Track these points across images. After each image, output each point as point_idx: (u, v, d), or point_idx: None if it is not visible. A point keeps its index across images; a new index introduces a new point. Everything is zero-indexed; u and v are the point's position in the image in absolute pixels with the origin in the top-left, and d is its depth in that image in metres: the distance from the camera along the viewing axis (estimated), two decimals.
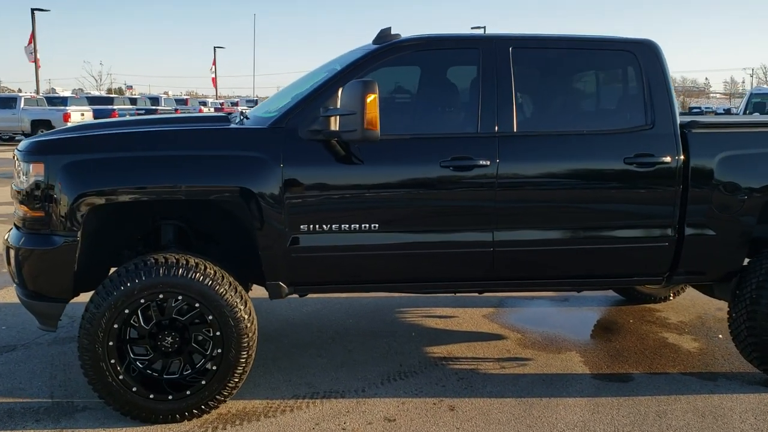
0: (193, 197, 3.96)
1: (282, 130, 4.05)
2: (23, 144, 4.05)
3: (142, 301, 3.82)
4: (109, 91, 73.13)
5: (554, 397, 4.40)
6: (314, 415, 4.09)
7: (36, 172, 3.85)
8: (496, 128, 4.21)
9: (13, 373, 4.66)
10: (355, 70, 4.18)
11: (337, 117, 3.93)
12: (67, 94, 38.98)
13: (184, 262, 3.85)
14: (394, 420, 4.05)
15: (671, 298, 6.57)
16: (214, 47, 51.24)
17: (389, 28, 4.46)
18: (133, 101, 35.56)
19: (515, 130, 4.23)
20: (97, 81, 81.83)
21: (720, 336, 5.64)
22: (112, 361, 3.84)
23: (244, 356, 3.96)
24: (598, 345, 5.38)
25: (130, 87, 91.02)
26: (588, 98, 4.76)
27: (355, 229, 4.09)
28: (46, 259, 3.86)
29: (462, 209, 4.19)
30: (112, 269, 4.42)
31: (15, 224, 4.11)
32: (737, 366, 4.97)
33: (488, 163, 4.14)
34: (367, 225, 4.09)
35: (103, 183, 3.83)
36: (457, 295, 6.29)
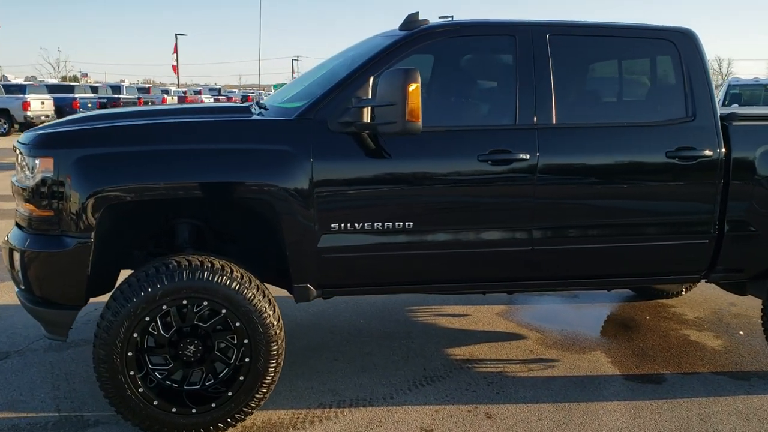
0: (217, 195, 3.66)
1: (310, 122, 3.76)
2: (28, 136, 3.69)
3: (164, 307, 3.51)
4: (64, 78, 71.18)
5: (591, 401, 4.21)
6: (346, 426, 3.84)
7: (44, 167, 3.50)
8: (535, 120, 3.99)
9: (11, 383, 4.31)
10: (386, 58, 3.91)
11: (371, 108, 3.66)
12: (20, 81, 37.65)
13: (209, 265, 3.55)
14: (432, 430, 3.82)
15: (684, 293, 6.45)
16: (176, 34, 50.07)
17: (417, 13, 4.20)
18: (94, 89, 34.47)
19: (554, 122, 4.01)
20: (54, 68, 79.72)
21: (741, 333, 5.52)
22: (132, 372, 3.53)
23: (273, 365, 3.68)
24: (621, 344, 5.22)
25: (85, 75, 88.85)
26: (627, 88, 4.56)
27: (388, 227, 3.83)
28: (56, 262, 3.52)
29: (500, 206, 3.97)
30: (122, 271, 4.11)
31: (17, 223, 3.75)
32: (766, 364, 4.85)
33: (528, 156, 3.91)
34: (401, 223, 3.84)
35: (121, 179, 3.50)
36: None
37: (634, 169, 4.09)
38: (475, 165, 3.87)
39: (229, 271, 3.58)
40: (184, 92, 45.54)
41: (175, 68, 52.02)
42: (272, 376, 3.70)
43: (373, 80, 3.79)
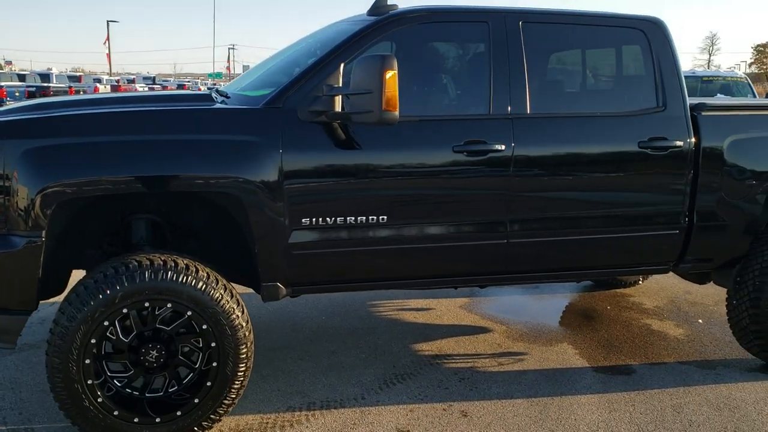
0: (179, 189, 3.42)
1: (279, 111, 3.56)
2: None
3: (125, 310, 3.27)
4: None
5: (565, 395, 4.16)
6: (318, 430, 3.66)
7: None
8: (509, 109, 3.87)
9: None
10: (356, 44, 3.74)
11: (342, 97, 3.48)
12: None
13: (173, 264, 3.33)
14: (408, 431, 3.68)
15: (641, 282, 6.49)
16: (108, 21, 48.52)
17: None
18: (21, 77, 32.98)
19: (528, 111, 3.90)
20: None
21: (700, 321, 5.58)
22: (89, 381, 3.28)
23: (242, 368, 3.48)
24: (586, 335, 5.19)
25: (9, 62, 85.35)
26: (599, 78, 4.50)
27: (361, 222, 3.67)
28: (3, 264, 3.23)
29: (475, 198, 3.85)
30: (74, 272, 3.83)
31: None
32: (728, 352, 4.90)
33: (503, 147, 3.80)
34: (375, 217, 3.68)
35: (75, 173, 3.24)
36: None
37: (607, 159, 4.03)
38: (450, 156, 3.74)
39: (194, 270, 3.36)
40: (117, 81, 44.13)
41: (109, 56, 50.46)
42: (241, 381, 3.50)
43: (344, 67, 3.61)
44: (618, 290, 6.39)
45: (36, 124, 3.31)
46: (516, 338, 5.08)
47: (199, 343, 3.47)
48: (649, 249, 4.23)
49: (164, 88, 46.15)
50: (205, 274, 3.38)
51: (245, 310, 3.49)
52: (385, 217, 3.69)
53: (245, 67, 53.84)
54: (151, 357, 3.38)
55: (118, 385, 3.43)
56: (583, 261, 4.14)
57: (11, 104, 4.15)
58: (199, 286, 3.33)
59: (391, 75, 3.28)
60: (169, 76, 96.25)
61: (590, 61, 4.45)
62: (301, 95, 3.57)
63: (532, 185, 3.89)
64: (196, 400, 3.44)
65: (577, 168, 3.95)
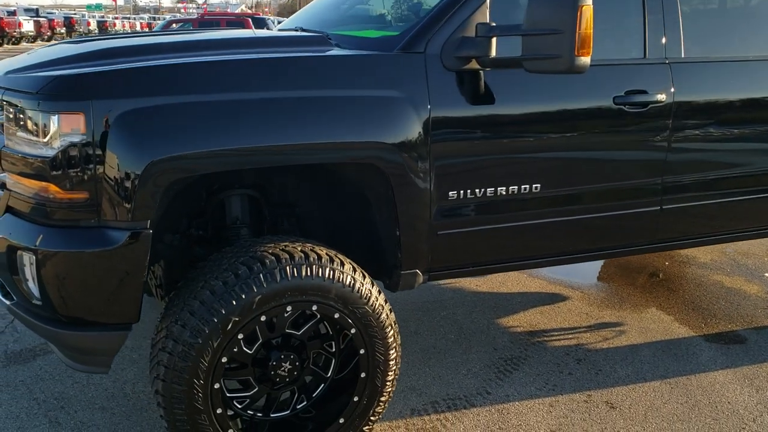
0: (309, 159, 2.67)
1: (421, 57, 2.83)
2: (27, 80, 2.47)
3: (263, 318, 2.53)
4: None
5: (696, 373, 3.76)
6: None
7: (70, 127, 2.34)
8: (665, 53, 3.29)
9: None
10: None
11: (497, 39, 2.79)
12: None
13: (316, 256, 2.60)
14: None
15: None
16: None
17: None
18: None
19: (683, 55, 3.33)
20: None
21: (767, 275, 5.29)
22: (219, 411, 2.55)
23: (391, 377, 2.84)
24: (668, 297, 4.80)
25: None
26: (748, 18, 3.92)
27: (512, 192, 3.04)
28: (99, 265, 2.41)
29: (633, 159, 3.30)
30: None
31: (13, 209, 2.56)
32: None
33: (664, 97, 3.23)
34: (528, 186, 3.05)
35: (197, 142, 2.43)
36: None
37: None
38: (611, 109, 3.13)
39: (339, 262, 2.64)
40: None
41: None
42: (389, 392, 2.86)
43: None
44: None
45: (133, 76, 2.44)
46: (599, 305, 4.63)
47: (331, 348, 2.79)
48: None
49: (50, 22, 42.52)
50: (351, 267, 2.68)
51: (391, 309, 2.82)
52: (539, 186, 3.07)
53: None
54: (283, 370, 2.67)
55: (238, 407, 2.71)
56: (734, 224, 3.67)
57: (54, 46, 3.18)
58: (347, 281, 2.63)
59: (588, 9, 2.61)
60: (53, 7, 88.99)
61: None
62: (445, 37, 2.85)
63: (690, 141, 3.36)
64: (341, 420, 2.77)
65: (738, 119, 3.43)
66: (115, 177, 2.36)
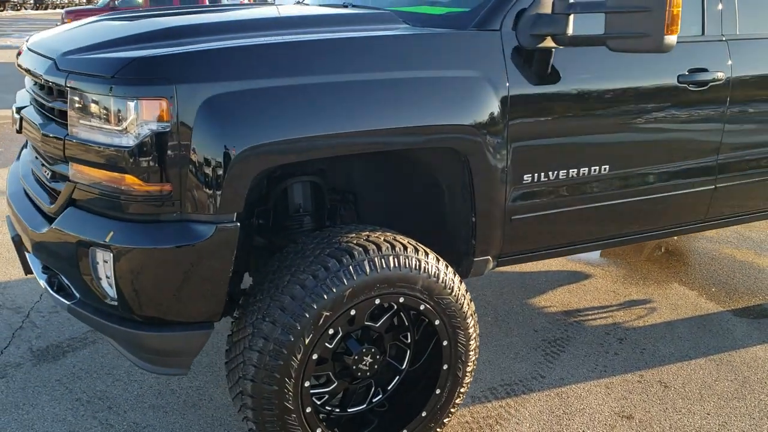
0: (393, 145, 2.55)
1: (498, 35, 2.72)
2: (105, 63, 2.28)
3: (353, 312, 2.42)
4: None
5: (736, 349, 3.80)
6: (535, 427, 3.04)
7: (152, 114, 2.17)
8: (722, 29, 3.25)
9: (16, 416, 2.94)
10: None
11: (573, 17, 2.70)
12: None
13: (401, 246, 2.50)
14: (632, 416, 3.15)
15: None
16: None
17: None
18: None
19: (738, 32, 3.31)
20: None
21: None
22: (308, 410, 2.44)
23: (470, 368, 2.77)
24: (687, 272, 4.85)
25: None
26: None
27: (583, 174, 2.97)
28: (182, 262, 2.25)
29: (692, 138, 3.27)
30: None
31: (79, 203, 2.38)
32: None
33: (722, 75, 3.20)
34: (597, 168, 3.00)
35: (289, 128, 2.28)
36: None
37: None
38: (675, 87, 3.09)
39: (423, 252, 2.55)
40: None
41: None
42: (467, 384, 2.79)
43: None
44: None
45: (222, 58, 2.27)
46: (623, 282, 4.63)
47: (407, 339, 2.71)
48: None
49: None
50: (434, 257, 2.58)
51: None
52: (607, 167, 3.02)
53: None
54: (365, 363, 2.57)
55: (317, 403, 2.60)
56: None
57: (95, 23, 2.94)
58: (433, 271, 2.54)
59: None
60: None
61: None
62: (520, 13, 2.74)
63: (745, 119, 3.35)
64: (424, 413, 2.70)
65: None
66: (201, 167, 2.20)
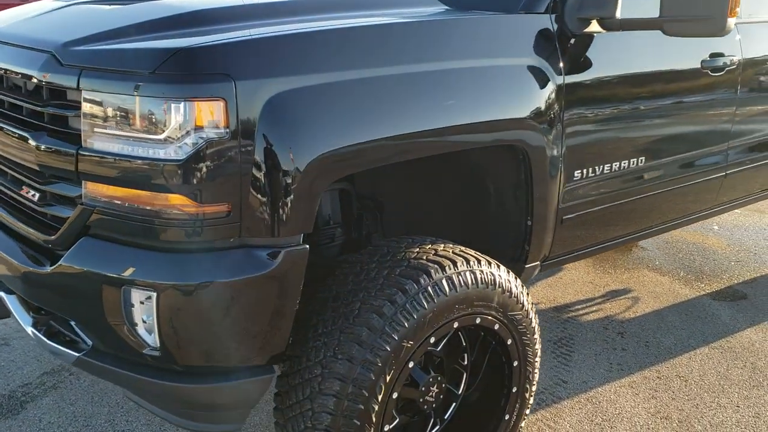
0: (454, 145, 2.25)
1: (546, 19, 2.48)
2: (137, 56, 1.82)
3: (432, 339, 2.11)
4: None
5: (731, 334, 3.82)
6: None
7: (207, 118, 1.74)
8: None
9: None
10: None
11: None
12: None
13: (475, 260, 2.21)
14: (668, 416, 3.03)
15: None
16: None
17: None
18: None
19: (741, 16, 3.24)
20: None
21: (716, 227, 5.53)
22: None
23: (534, 388, 2.52)
24: (648, 256, 4.86)
25: None
26: None
27: (624, 167, 2.80)
28: (246, 297, 1.85)
29: (711, 124, 3.18)
30: None
31: (95, 231, 1.91)
32: None
33: (736, 59, 3.13)
34: (635, 160, 2.84)
35: (365, 130, 1.93)
36: None
37: None
38: (699, 72, 2.98)
39: (496, 265, 2.27)
40: None
41: None
42: (529, 404, 2.54)
43: None
44: None
45: (284, 47, 1.87)
46: (596, 272, 4.57)
47: (464, 361, 2.43)
48: None
49: None
50: (504, 268, 2.31)
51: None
52: (644, 158, 2.86)
53: None
54: (431, 395, 2.27)
55: None
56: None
57: (80, 6, 2.37)
58: (506, 285, 2.26)
59: None
60: None
61: None
62: None
63: (751, 105, 3.31)
64: None
65: None
66: (266, 181, 1.80)
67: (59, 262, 1.90)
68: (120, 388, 2.67)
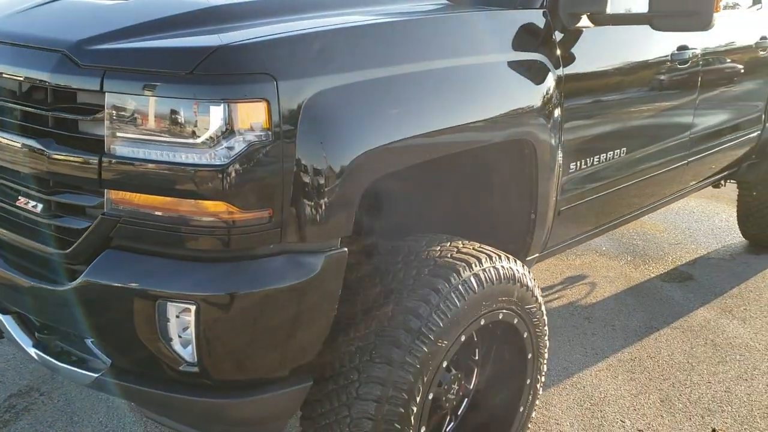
0: (470, 143, 2.25)
1: (545, 15, 2.52)
2: (174, 53, 1.71)
3: (462, 338, 2.11)
4: None
5: (687, 314, 4.00)
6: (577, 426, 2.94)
7: (250, 120, 1.66)
8: None
9: None
10: None
11: None
12: None
13: (497, 256, 2.22)
14: (649, 395, 3.15)
15: None
16: None
17: None
18: None
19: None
20: None
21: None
22: None
23: (543, 379, 2.57)
24: (598, 244, 5.00)
25: None
26: None
27: (609, 158, 2.89)
28: (287, 305, 1.79)
29: (678, 114, 3.33)
30: None
31: (119, 242, 1.79)
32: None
33: (698, 52, 3.28)
34: (619, 150, 2.94)
35: (409, 125, 1.90)
36: None
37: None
38: (670, 64, 3.11)
39: (513, 260, 2.29)
40: None
41: None
42: (539, 396, 2.58)
43: None
44: None
45: (325, 43, 1.80)
46: (550, 259, 4.66)
47: (475, 355, 2.45)
48: None
49: None
50: (520, 262, 2.34)
51: None
52: (625, 149, 2.96)
53: None
54: (452, 392, 2.27)
55: None
56: (723, 166, 3.92)
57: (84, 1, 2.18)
58: (523, 279, 2.29)
59: None
60: None
61: None
62: None
63: (710, 92, 3.48)
64: None
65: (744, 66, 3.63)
66: (308, 184, 1.74)
67: (81, 278, 1.77)
68: (113, 406, 2.54)
